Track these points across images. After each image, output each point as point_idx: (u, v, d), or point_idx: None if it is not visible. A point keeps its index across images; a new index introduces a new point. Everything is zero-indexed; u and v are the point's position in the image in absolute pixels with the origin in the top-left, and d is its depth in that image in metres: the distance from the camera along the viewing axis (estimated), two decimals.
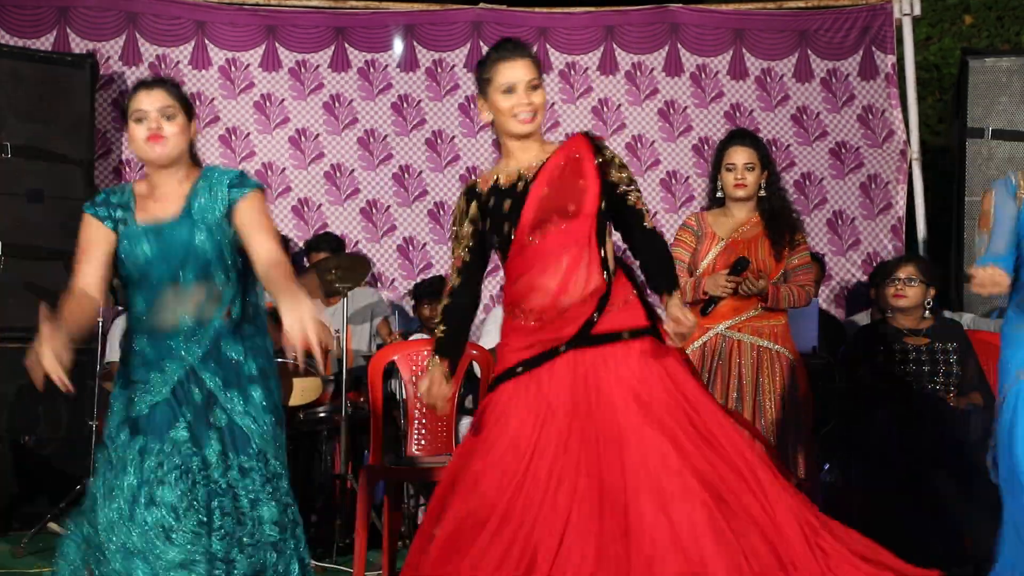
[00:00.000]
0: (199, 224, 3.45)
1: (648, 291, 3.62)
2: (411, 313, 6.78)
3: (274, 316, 6.13)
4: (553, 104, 7.30)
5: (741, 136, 5.04)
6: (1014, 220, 3.55)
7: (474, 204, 3.62)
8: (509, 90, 3.55)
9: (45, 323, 3.22)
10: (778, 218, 4.91)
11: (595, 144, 3.58)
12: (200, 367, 3.42)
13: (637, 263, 3.66)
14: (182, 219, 3.47)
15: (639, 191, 3.61)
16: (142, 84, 3.56)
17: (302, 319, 3.11)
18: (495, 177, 3.63)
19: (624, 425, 3.37)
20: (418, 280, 6.89)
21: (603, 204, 3.53)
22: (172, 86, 3.56)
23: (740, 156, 4.91)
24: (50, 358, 3.17)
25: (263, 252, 3.41)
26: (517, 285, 3.55)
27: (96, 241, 3.49)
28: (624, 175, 3.58)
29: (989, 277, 3.35)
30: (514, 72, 3.55)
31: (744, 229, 4.93)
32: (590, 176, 3.53)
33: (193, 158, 3.58)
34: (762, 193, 4.93)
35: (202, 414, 3.41)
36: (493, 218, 3.58)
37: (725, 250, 4.91)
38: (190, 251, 3.44)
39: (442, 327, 3.65)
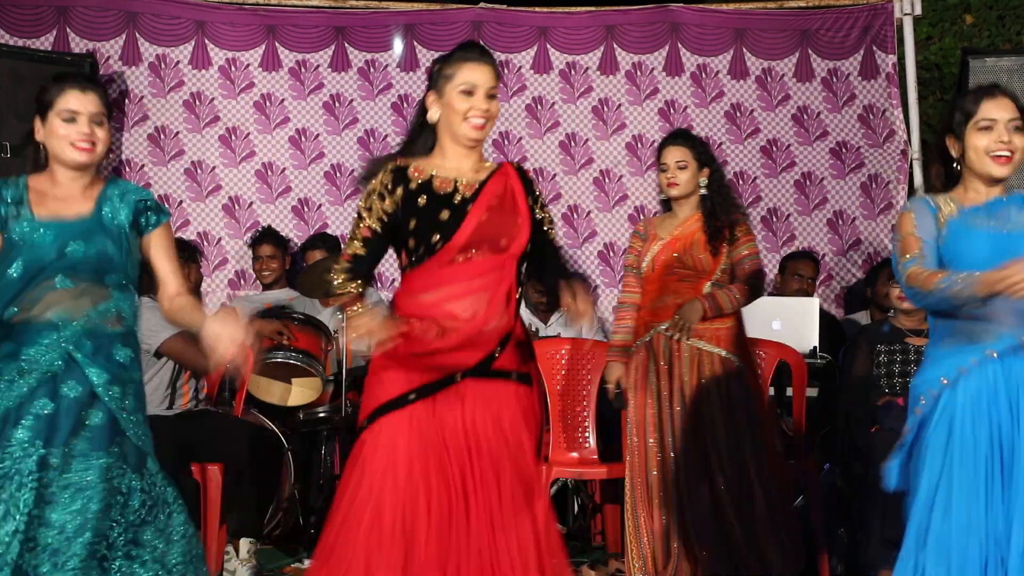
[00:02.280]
0: (109, 230, 3.44)
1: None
2: None
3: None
4: (553, 104, 7.29)
5: (674, 136, 5.14)
6: (935, 242, 3.38)
7: (401, 188, 3.46)
8: (468, 91, 3.44)
9: None
10: (716, 214, 4.95)
11: (526, 181, 3.54)
12: (85, 363, 3.37)
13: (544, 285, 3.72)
14: (92, 222, 3.44)
15: (554, 225, 3.63)
16: (74, 82, 3.52)
17: (231, 330, 3.27)
18: (429, 173, 3.48)
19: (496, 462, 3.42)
20: None
21: (529, 245, 3.50)
22: (103, 91, 3.56)
23: (671, 155, 4.99)
24: None
25: (175, 281, 3.50)
26: (426, 297, 3.42)
27: None
28: (547, 215, 3.59)
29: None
30: (477, 75, 3.45)
31: (683, 227, 4.98)
32: (524, 216, 3.49)
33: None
34: (703, 191, 4.97)
35: (74, 410, 3.36)
36: (421, 220, 3.44)
37: (664, 248, 4.97)
38: (94, 255, 3.41)
39: (358, 283, 3.46)
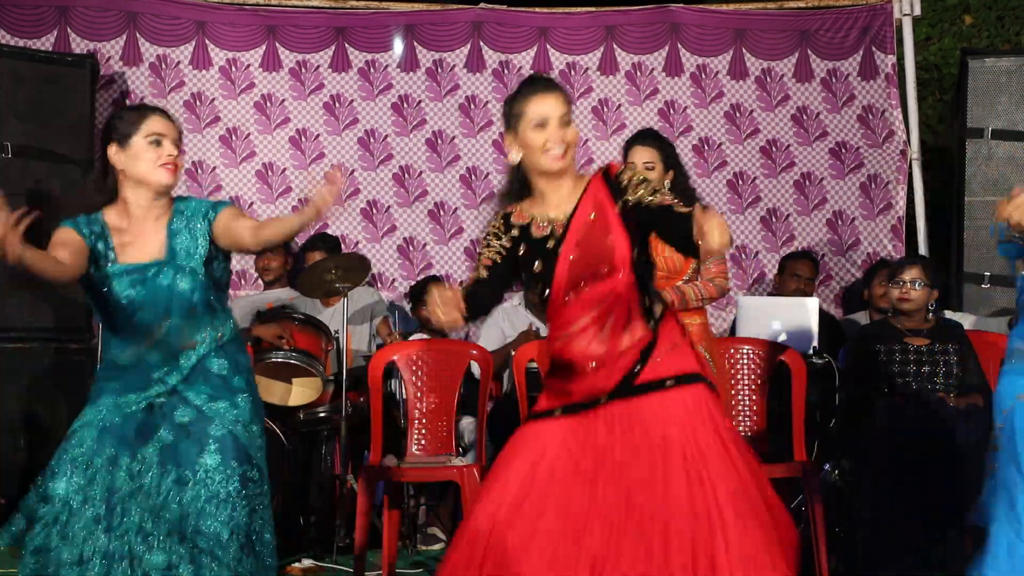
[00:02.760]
0: (183, 267, 3.54)
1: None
2: (411, 314, 6.78)
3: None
4: None
5: (643, 136, 5.08)
6: None
7: (508, 236, 3.47)
8: (541, 124, 3.39)
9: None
10: None
11: (612, 186, 3.43)
12: (184, 388, 3.52)
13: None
14: (166, 263, 3.54)
15: (659, 192, 3.43)
16: (159, 109, 3.66)
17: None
18: (529, 217, 3.47)
19: (664, 469, 3.27)
20: (418, 280, 6.88)
21: (636, 252, 3.39)
22: (177, 122, 3.69)
23: (639, 155, 4.93)
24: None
25: (247, 224, 3.57)
26: (558, 340, 3.43)
27: (71, 241, 3.50)
28: (643, 190, 3.40)
29: None
30: (546, 106, 3.40)
31: None
32: (616, 229, 3.38)
33: None
34: None
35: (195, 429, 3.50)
36: (526, 271, 3.46)
37: None
38: (174, 296, 3.52)
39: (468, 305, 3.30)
